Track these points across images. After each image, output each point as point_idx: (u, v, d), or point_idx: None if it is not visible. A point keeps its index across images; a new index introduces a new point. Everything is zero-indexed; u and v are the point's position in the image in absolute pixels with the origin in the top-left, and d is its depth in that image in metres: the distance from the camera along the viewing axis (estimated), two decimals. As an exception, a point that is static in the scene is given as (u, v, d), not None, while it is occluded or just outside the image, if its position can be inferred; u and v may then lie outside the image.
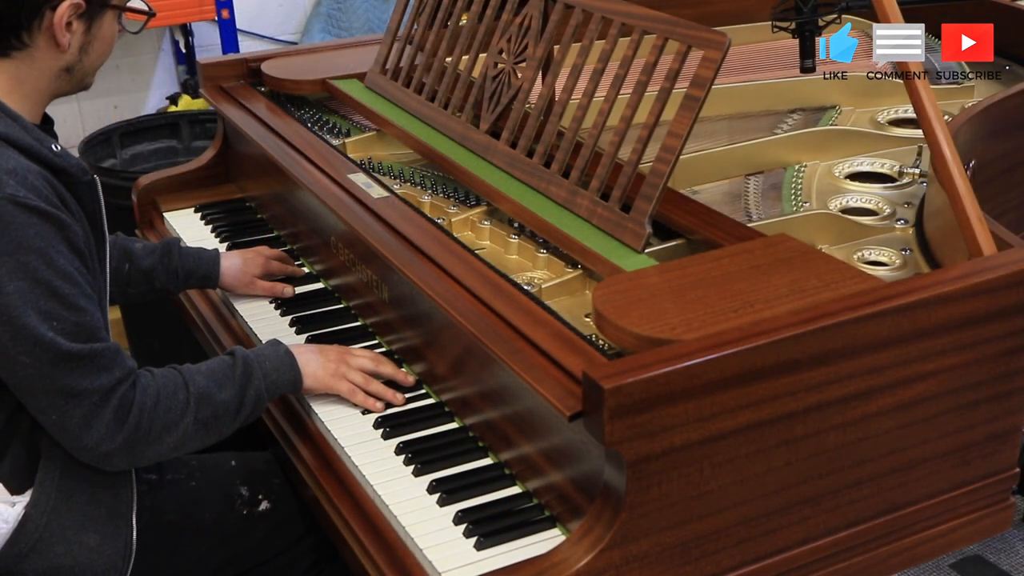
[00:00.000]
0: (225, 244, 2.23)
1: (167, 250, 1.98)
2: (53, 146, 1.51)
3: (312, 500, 1.62)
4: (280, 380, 1.64)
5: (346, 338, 1.86)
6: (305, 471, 1.64)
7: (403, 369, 1.74)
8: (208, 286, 2.04)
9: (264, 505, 1.72)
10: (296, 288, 2.05)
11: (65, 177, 1.50)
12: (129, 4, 1.61)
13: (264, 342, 1.74)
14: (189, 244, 2.23)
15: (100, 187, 1.58)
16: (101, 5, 1.55)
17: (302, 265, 2.13)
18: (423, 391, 1.72)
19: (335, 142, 2.19)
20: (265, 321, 1.97)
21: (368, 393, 1.68)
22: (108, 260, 1.62)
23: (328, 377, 1.68)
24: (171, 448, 1.53)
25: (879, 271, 1.68)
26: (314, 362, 1.68)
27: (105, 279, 1.61)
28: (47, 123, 1.63)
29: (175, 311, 2.21)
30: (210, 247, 2.22)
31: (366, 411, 1.67)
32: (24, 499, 1.52)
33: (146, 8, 1.67)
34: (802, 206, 1.87)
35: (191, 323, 2.14)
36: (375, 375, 1.70)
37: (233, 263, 2.02)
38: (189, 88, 4.02)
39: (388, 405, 1.68)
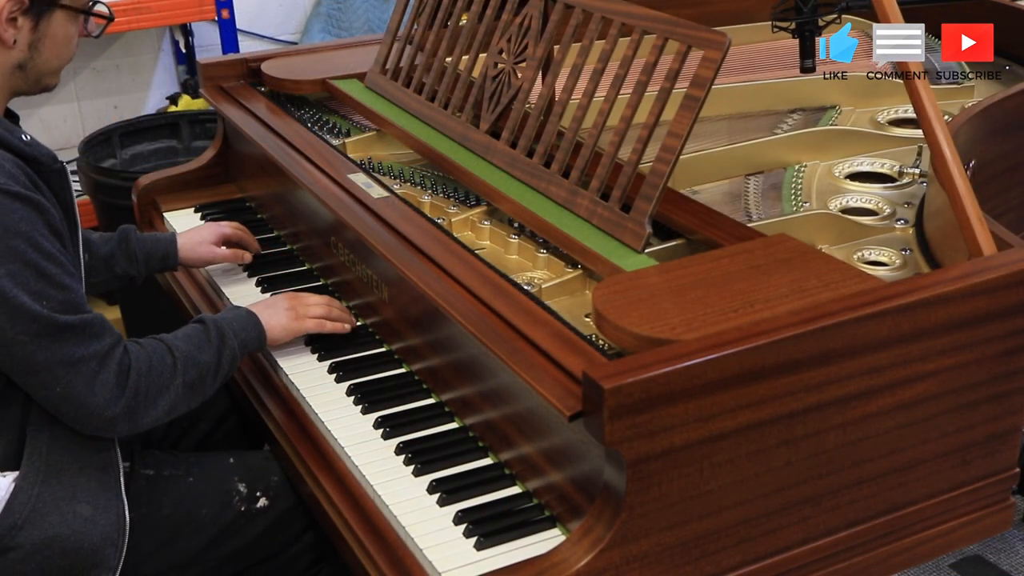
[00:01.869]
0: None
1: (124, 236, 2.01)
2: (23, 136, 1.55)
3: (312, 500, 1.62)
4: (248, 338, 1.72)
5: (346, 338, 1.86)
6: (305, 471, 1.64)
7: (402, 370, 1.75)
8: (169, 267, 2.07)
9: (262, 502, 1.72)
10: (296, 287, 2.05)
11: (36, 165, 1.55)
12: (82, 6, 1.62)
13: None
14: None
15: (69, 175, 1.62)
16: (48, 3, 1.57)
17: (302, 263, 2.13)
18: (423, 391, 1.72)
19: (335, 142, 2.19)
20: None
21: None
22: (81, 245, 1.65)
23: (292, 323, 1.78)
24: (165, 411, 1.58)
25: (879, 271, 1.68)
26: (275, 316, 1.78)
27: (80, 263, 1.64)
28: (12, 118, 1.65)
29: (176, 311, 2.21)
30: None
31: (366, 411, 1.68)
32: (14, 474, 1.54)
33: (104, 12, 1.67)
34: (802, 206, 1.87)
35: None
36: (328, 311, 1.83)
37: (188, 237, 2.07)
38: (189, 88, 4.02)
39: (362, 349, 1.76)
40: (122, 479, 1.60)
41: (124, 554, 1.57)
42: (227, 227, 2.11)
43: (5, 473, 1.54)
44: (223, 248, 2.08)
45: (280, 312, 1.79)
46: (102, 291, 2.09)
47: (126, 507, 1.58)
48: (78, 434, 1.57)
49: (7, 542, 1.50)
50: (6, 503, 1.51)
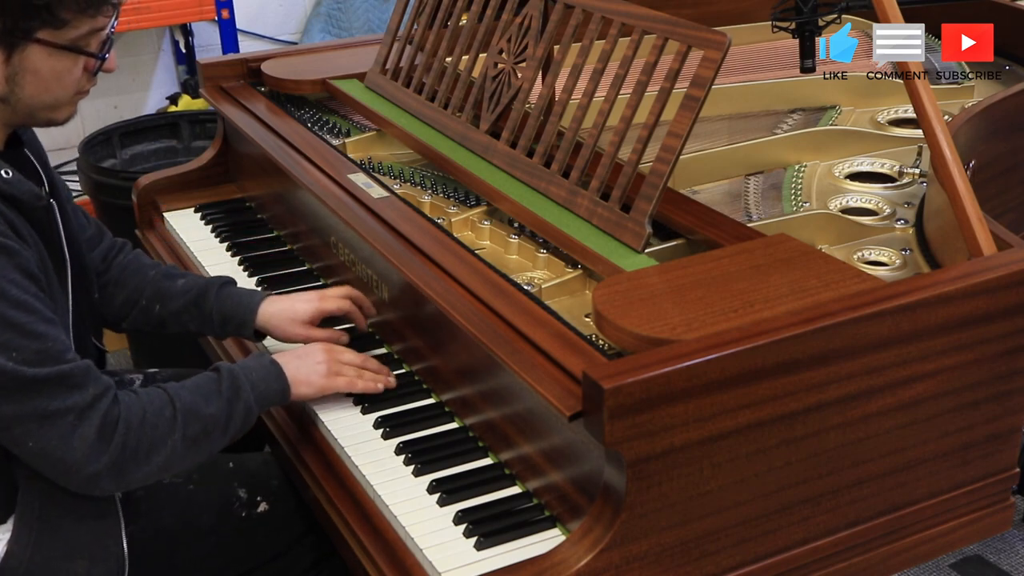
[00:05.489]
0: (225, 244, 2.22)
1: (203, 292, 1.81)
2: (3, 172, 1.45)
3: (312, 500, 1.62)
4: (269, 391, 1.59)
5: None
6: (305, 471, 1.64)
7: (394, 374, 1.74)
8: (244, 335, 1.82)
9: (262, 507, 1.71)
10: (297, 287, 2.05)
11: (16, 204, 1.46)
12: (66, 43, 1.47)
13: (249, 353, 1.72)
14: (189, 244, 2.24)
15: (58, 211, 1.54)
16: (21, 37, 1.43)
17: (302, 263, 2.13)
18: (423, 391, 1.72)
19: (335, 142, 2.19)
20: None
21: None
22: (70, 282, 1.57)
23: (322, 379, 1.64)
24: (159, 468, 1.48)
25: (879, 271, 1.68)
26: (304, 368, 1.63)
27: (67, 300, 1.57)
28: (16, 146, 1.57)
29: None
30: (210, 247, 2.22)
31: (366, 411, 1.67)
32: (7, 528, 1.49)
33: (76, 47, 1.49)
34: (802, 206, 1.87)
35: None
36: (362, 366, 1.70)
37: (281, 309, 1.78)
38: (189, 88, 4.02)
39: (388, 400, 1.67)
40: (122, 517, 1.55)
41: None
42: (332, 301, 1.79)
43: None
44: (319, 329, 1.78)
45: (311, 365, 1.64)
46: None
47: (125, 548, 1.54)
48: None
49: None
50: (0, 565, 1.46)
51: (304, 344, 1.74)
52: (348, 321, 1.84)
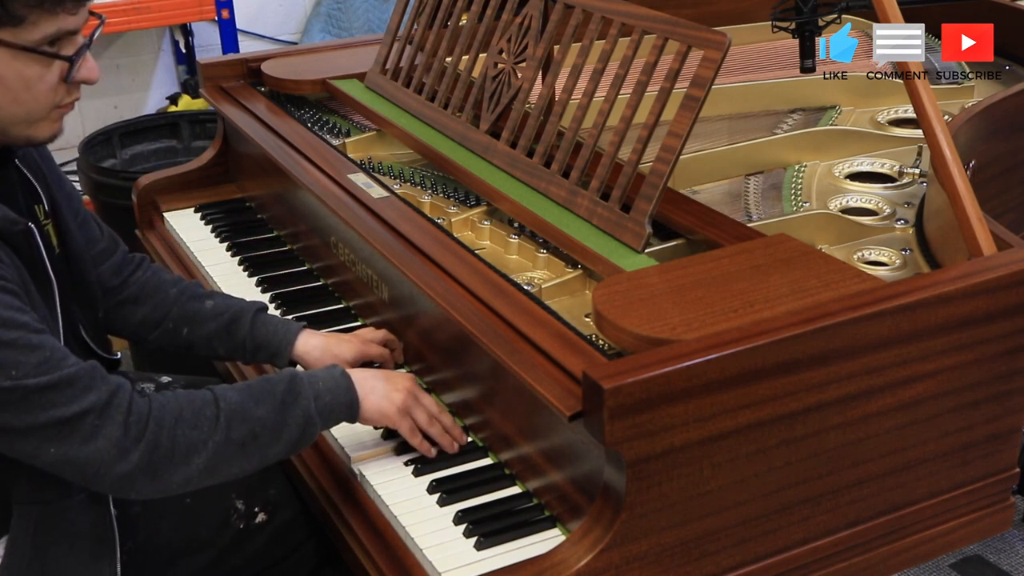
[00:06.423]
0: (225, 244, 2.23)
1: (236, 318, 1.74)
2: None
3: (312, 501, 1.62)
4: (335, 403, 1.48)
5: (346, 338, 1.86)
6: (305, 472, 1.64)
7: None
8: (276, 364, 1.75)
9: (261, 518, 1.68)
10: (296, 287, 2.05)
11: None
12: (28, 44, 1.35)
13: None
14: (189, 244, 2.24)
15: (38, 234, 1.47)
16: None
17: (302, 263, 2.13)
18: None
19: (335, 142, 2.19)
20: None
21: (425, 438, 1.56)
22: (58, 302, 1.51)
23: (394, 410, 1.53)
24: (202, 471, 1.38)
25: (879, 271, 1.68)
26: (379, 390, 1.53)
27: (56, 320, 1.50)
28: (3, 164, 1.49)
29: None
30: (210, 247, 2.22)
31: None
32: None
33: (42, 50, 1.37)
34: (802, 206, 1.87)
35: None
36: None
37: (322, 347, 1.72)
38: (189, 88, 4.03)
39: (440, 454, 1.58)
40: (117, 547, 1.50)
41: None
42: (375, 348, 1.74)
43: None
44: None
45: (388, 392, 1.53)
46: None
47: (119, 568, 1.50)
48: (71, 508, 1.44)
49: None
50: None
51: None
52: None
